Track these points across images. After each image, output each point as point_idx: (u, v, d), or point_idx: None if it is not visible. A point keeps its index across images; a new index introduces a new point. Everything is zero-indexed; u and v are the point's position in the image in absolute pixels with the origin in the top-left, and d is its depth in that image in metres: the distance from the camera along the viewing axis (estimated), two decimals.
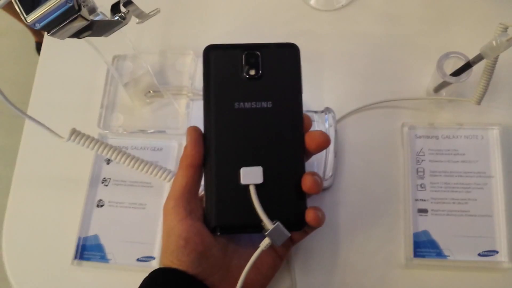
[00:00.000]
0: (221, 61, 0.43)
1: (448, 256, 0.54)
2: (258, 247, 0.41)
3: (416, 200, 0.56)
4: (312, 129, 0.43)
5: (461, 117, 0.59)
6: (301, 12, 0.67)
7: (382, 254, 0.55)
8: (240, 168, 0.41)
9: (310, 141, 0.42)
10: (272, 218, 0.40)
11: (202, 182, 0.43)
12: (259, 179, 0.41)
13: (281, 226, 0.40)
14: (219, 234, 0.42)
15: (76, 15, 0.42)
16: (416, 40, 0.64)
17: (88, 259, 0.56)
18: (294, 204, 0.42)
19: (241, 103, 0.43)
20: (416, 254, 0.54)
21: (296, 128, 0.43)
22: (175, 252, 0.40)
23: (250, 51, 0.43)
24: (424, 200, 0.56)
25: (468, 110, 0.60)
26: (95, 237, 0.57)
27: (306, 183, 0.41)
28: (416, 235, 0.55)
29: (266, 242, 0.40)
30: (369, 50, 0.64)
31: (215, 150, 0.42)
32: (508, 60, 0.52)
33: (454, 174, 0.57)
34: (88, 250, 0.56)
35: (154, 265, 0.55)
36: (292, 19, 0.67)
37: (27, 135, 0.64)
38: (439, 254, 0.54)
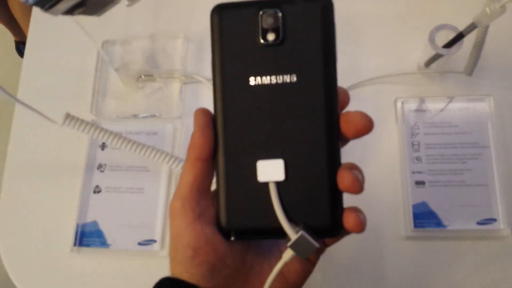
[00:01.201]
0: (232, 24, 0.34)
1: (447, 225, 0.55)
2: (283, 253, 0.33)
3: (413, 172, 0.57)
4: None
5: (453, 90, 0.60)
6: None
7: (382, 227, 0.56)
8: (257, 161, 0.33)
9: (346, 125, 0.33)
10: (297, 222, 0.32)
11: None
12: (281, 176, 0.32)
13: (306, 236, 0.32)
14: (233, 239, 0.34)
15: None
16: (406, 16, 0.65)
17: (88, 245, 0.55)
18: (327, 207, 0.32)
19: (258, 78, 0.33)
20: (416, 225, 0.55)
21: (329, 108, 0.33)
22: (183, 263, 0.34)
23: (269, 10, 0.33)
24: (421, 172, 0.57)
25: (459, 83, 0.60)
26: (94, 223, 0.56)
27: (344, 180, 0.32)
28: (415, 207, 0.55)
29: (289, 254, 0.32)
30: (360, 28, 0.64)
31: (227, 139, 0.34)
32: (497, 32, 0.53)
33: (448, 145, 0.58)
34: (87, 236, 0.56)
35: (156, 248, 0.55)
36: None
37: (17, 122, 0.63)
38: (439, 224, 0.55)
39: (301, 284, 0.37)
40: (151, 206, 0.56)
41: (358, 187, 0.32)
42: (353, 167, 0.33)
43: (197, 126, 0.34)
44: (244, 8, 0.34)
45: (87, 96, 0.62)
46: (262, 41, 0.33)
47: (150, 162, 0.58)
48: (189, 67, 0.65)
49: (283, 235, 0.32)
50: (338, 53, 0.55)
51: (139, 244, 0.55)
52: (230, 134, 0.33)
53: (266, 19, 0.33)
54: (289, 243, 0.32)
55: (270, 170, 0.33)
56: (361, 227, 0.32)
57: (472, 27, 0.49)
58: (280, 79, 0.33)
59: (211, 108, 0.34)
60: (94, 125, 0.53)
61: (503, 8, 0.45)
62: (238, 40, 0.34)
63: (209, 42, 0.34)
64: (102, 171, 0.59)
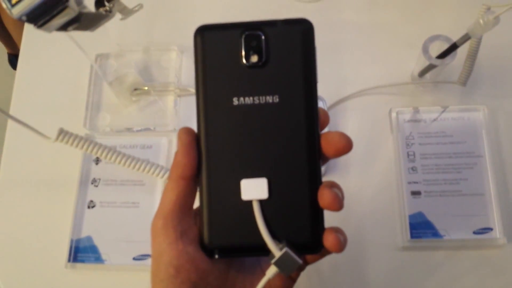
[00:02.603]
0: (216, 45, 0.34)
1: (444, 235, 0.54)
2: (265, 270, 0.34)
3: (409, 183, 0.57)
4: None
5: (447, 100, 0.60)
6: (284, 4, 0.68)
7: (380, 238, 0.55)
8: (240, 180, 0.34)
9: (327, 145, 0.33)
10: (280, 239, 0.33)
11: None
12: (264, 194, 0.33)
13: (290, 253, 0.32)
14: (216, 257, 0.34)
15: (64, 6, 0.41)
16: (400, 26, 0.65)
17: (82, 261, 0.55)
18: (308, 224, 0.33)
19: (241, 98, 0.34)
20: (413, 236, 0.54)
21: (310, 129, 0.34)
22: (165, 281, 0.34)
23: (251, 32, 0.34)
24: (417, 183, 0.57)
25: (453, 93, 0.61)
26: (88, 238, 0.56)
27: (325, 198, 0.33)
28: (411, 217, 0.55)
29: (272, 270, 0.33)
30: (354, 38, 0.65)
31: (210, 158, 0.34)
32: (490, 43, 0.54)
33: (444, 155, 0.58)
34: (81, 252, 0.55)
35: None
36: (276, 11, 0.67)
37: (10, 137, 0.62)
38: (435, 234, 0.55)
39: None
40: (146, 221, 0.55)
41: (337, 205, 0.33)
42: (333, 185, 0.33)
43: (181, 145, 0.34)
44: (227, 29, 0.35)
45: (80, 110, 0.61)
46: (245, 62, 0.34)
47: (144, 176, 0.57)
48: (183, 79, 0.64)
49: (266, 252, 0.33)
50: (332, 63, 0.56)
51: (134, 259, 0.55)
52: (213, 153, 0.34)
53: (249, 41, 0.34)
54: (273, 260, 0.32)
55: (254, 189, 0.33)
56: (339, 247, 0.33)
57: (465, 38, 0.50)
58: (262, 99, 0.34)
59: (192, 124, 0.34)
60: (87, 140, 0.53)
61: (496, 20, 0.46)
62: (221, 61, 0.34)
63: None
64: (96, 186, 0.58)
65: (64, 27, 0.45)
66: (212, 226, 0.34)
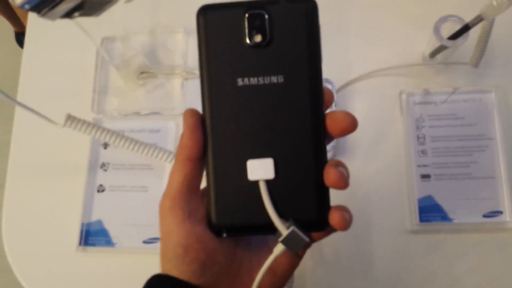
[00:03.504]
0: (219, 25, 0.34)
1: (453, 219, 0.54)
2: (272, 248, 0.35)
3: (419, 166, 0.56)
4: None
5: (458, 82, 0.59)
6: None
7: (388, 221, 0.55)
8: (246, 160, 0.34)
9: (332, 124, 0.34)
10: (287, 218, 0.33)
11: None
12: (270, 174, 0.33)
13: (297, 231, 0.33)
14: (224, 236, 0.35)
15: None
16: (409, 6, 0.63)
17: (93, 244, 0.55)
18: (314, 202, 0.34)
19: (246, 79, 0.34)
20: (422, 219, 0.54)
21: (315, 108, 0.34)
22: (174, 261, 0.35)
23: (255, 11, 0.34)
24: (426, 166, 0.56)
25: (464, 74, 0.59)
26: (99, 222, 0.56)
27: (330, 176, 0.33)
28: (420, 201, 0.55)
29: (279, 248, 0.34)
30: (363, 19, 0.63)
31: (216, 139, 0.34)
32: (502, 23, 0.52)
33: (454, 138, 0.57)
34: (92, 235, 0.56)
35: None
36: None
37: (18, 124, 0.62)
38: (444, 217, 0.54)
39: (289, 276, 0.39)
40: (155, 205, 0.55)
41: (343, 183, 0.33)
42: (338, 164, 0.34)
43: (186, 126, 0.35)
44: (230, 9, 0.34)
45: (88, 94, 0.61)
46: (248, 42, 0.34)
47: (153, 161, 0.57)
48: (190, 62, 0.64)
49: (273, 230, 0.33)
50: (340, 45, 0.54)
51: (144, 242, 0.55)
52: (219, 134, 0.34)
53: (252, 20, 0.34)
54: (281, 238, 0.33)
55: (260, 169, 0.34)
56: (344, 225, 0.33)
57: (478, 19, 0.48)
58: (267, 80, 0.34)
59: (198, 106, 0.34)
60: (95, 126, 0.53)
61: (510, 1, 0.44)
62: (225, 41, 0.34)
63: None
64: (105, 170, 0.59)
65: (68, 15, 0.45)
66: (220, 206, 0.34)
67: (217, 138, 0.34)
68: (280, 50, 0.34)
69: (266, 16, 0.34)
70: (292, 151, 0.34)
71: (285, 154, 0.34)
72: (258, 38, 0.34)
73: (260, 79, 0.34)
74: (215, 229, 0.34)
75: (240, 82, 0.34)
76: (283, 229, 0.33)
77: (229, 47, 0.34)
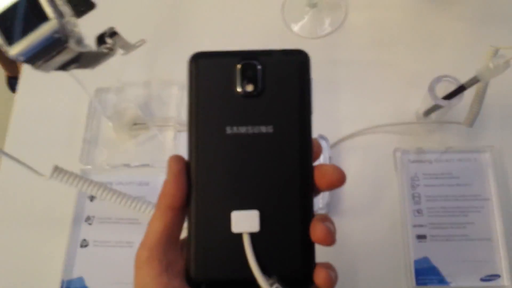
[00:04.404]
0: (210, 73, 0.34)
1: (450, 282, 0.52)
2: None
3: (414, 226, 0.55)
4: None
5: (452, 141, 0.59)
6: (286, 39, 0.67)
7: (384, 284, 0.53)
8: (231, 212, 0.32)
9: (320, 177, 0.33)
10: (270, 274, 0.32)
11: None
12: (255, 227, 0.32)
13: None
14: None
15: (63, 47, 0.40)
16: (405, 65, 0.64)
17: None
18: (299, 258, 0.33)
19: (235, 127, 0.33)
20: (418, 282, 0.52)
21: (303, 161, 0.33)
22: None
23: (248, 61, 0.34)
24: (422, 226, 0.55)
25: (458, 133, 0.59)
26: (80, 279, 0.53)
27: (317, 232, 0.32)
28: (416, 263, 0.53)
29: None
30: (357, 76, 0.64)
31: (201, 187, 0.33)
32: (497, 83, 0.52)
33: (450, 198, 0.56)
34: None
35: None
36: (277, 46, 0.66)
37: (4, 172, 0.61)
38: (441, 281, 0.52)
39: None
40: None
41: (330, 239, 0.32)
42: (325, 219, 0.33)
43: (171, 173, 0.33)
44: (222, 57, 0.34)
45: (77, 144, 0.60)
46: (239, 91, 0.33)
47: (140, 215, 0.55)
48: (184, 114, 0.63)
49: (255, 287, 0.31)
50: (335, 101, 0.54)
51: None
52: (204, 183, 0.33)
53: (244, 70, 0.33)
54: None
55: (245, 221, 0.32)
56: (330, 284, 0.32)
57: (474, 81, 0.49)
58: (256, 129, 0.33)
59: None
60: (82, 178, 0.51)
61: (507, 64, 0.45)
62: (215, 89, 0.33)
63: None
64: (90, 224, 0.56)
65: (63, 67, 0.44)
66: (200, 258, 0.32)
67: (202, 187, 0.33)
68: (271, 101, 0.34)
69: (259, 67, 0.34)
70: (279, 204, 0.33)
71: (271, 206, 0.33)
72: (249, 88, 0.33)
73: (250, 128, 0.33)
74: (194, 284, 0.32)
75: (228, 130, 0.33)
76: (267, 286, 0.31)
77: (219, 95, 0.33)
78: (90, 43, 0.49)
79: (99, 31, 0.50)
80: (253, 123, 0.33)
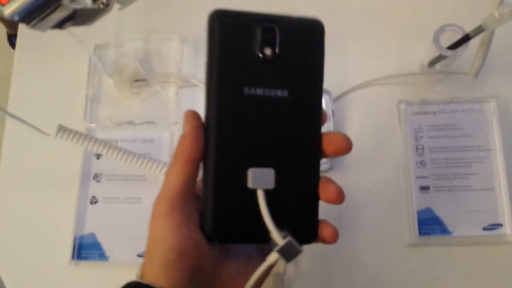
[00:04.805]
0: (230, 33, 0.34)
1: (453, 232, 0.53)
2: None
3: (417, 177, 0.55)
4: None
5: (457, 91, 0.58)
6: None
7: (387, 235, 0.54)
8: (247, 168, 0.34)
9: (328, 144, 0.35)
10: (281, 228, 0.33)
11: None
12: (271, 184, 0.34)
13: (294, 242, 0.33)
14: (217, 243, 0.35)
15: (58, 5, 0.39)
16: (408, 15, 0.62)
17: (86, 258, 0.54)
18: (307, 215, 0.35)
19: (252, 89, 0.34)
20: (421, 232, 0.53)
21: (314, 126, 0.35)
22: (164, 266, 0.33)
23: (268, 25, 0.34)
24: (425, 177, 0.55)
25: (463, 83, 0.59)
26: (92, 235, 0.55)
27: (330, 191, 0.34)
28: (419, 213, 0.54)
29: (273, 257, 0.33)
30: (360, 27, 0.62)
31: (219, 143, 0.34)
32: (502, 32, 0.51)
33: (453, 149, 0.56)
34: (85, 249, 0.54)
35: None
36: None
37: (9, 134, 0.61)
38: (444, 230, 0.53)
39: (263, 281, 0.38)
40: (149, 217, 0.55)
41: (342, 198, 0.35)
42: (333, 181, 0.35)
43: (189, 127, 0.34)
44: (245, 19, 0.34)
45: (80, 103, 0.60)
46: (258, 54, 0.34)
47: (147, 172, 0.56)
48: (184, 69, 0.62)
49: (267, 240, 0.33)
50: (338, 53, 0.54)
51: (138, 255, 0.54)
52: (222, 140, 0.34)
53: (265, 33, 0.34)
54: (277, 248, 0.33)
55: (262, 178, 0.34)
56: (336, 238, 0.35)
57: (479, 30, 0.47)
58: (273, 92, 0.34)
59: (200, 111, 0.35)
60: (87, 137, 0.52)
61: None
62: (236, 50, 0.34)
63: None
64: (98, 181, 0.57)
65: (58, 25, 0.43)
66: (217, 212, 0.34)
67: (220, 143, 0.34)
68: (287, 66, 0.35)
69: (278, 32, 0.34)
70: (292, 165, 0.35)
71: (285, 166, 0.34)
72: (268, 51, 0.34)
73: (266, 90, 0.34)
74: (210, 235, 0.34)
75: (247, 91, 0.34)
76: (280, 239, 0.33)
77: (239, 56, 0.34)
78: None
79: None
80: (270, 86, 0.34)
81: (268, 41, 0.34)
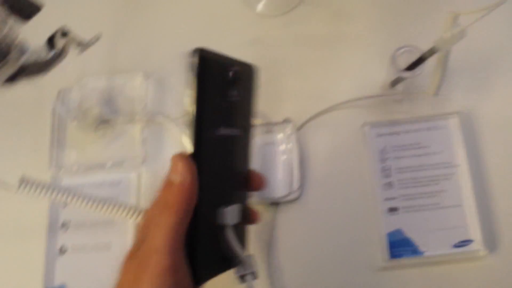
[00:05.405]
0: (212, 73, 0.35)
1: (424, 252, 0.53)
2: None
3: (386, 199, 0.55)
4: (275, 143, 0.48)
5: (420, 109, 0.59)
6: (249, 20, 0.65)
7: (358, 259, 0.54)
8: (222, 207, 0.37)
9: (253, 181, 0.42)
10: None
11: None
12: (236, 219, 0.38)
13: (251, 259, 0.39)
14: (202, 283, 0.36)
15: (5, 61, 0.39)
16: (368, 36, 0.63)
17: None
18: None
19: (222, 129, 0.37)
20: (392, 255, 0.53)
21: (249, 162, 0.41)
22: None
23: (236, 69, 0.37)
24: (394, 199, 0.55)
25: (426, 101, 0.59)
26: (62, 287, 0.54)
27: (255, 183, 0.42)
28: (389, 235, 0.54)
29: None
30: (321, 51, 0.62)
31: (202, 188, 0.35)
32: (460, 46, 0.52)
33: (420, 168, 0.56)
34: None
35: None
36: (241, 28, 0.65)
37: None
38: (415, 251, 0.53)
39: None
40: (118, 263, 0.54)
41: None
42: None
43: (191, 174, 0.34)
44: (222, 61, 0.36)
45: (45, 149, 0.59)
46: (229, 95, 0.37)
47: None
48: (150, 106, 0.62)
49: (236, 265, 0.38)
50: (300, 80, 0.61)
51: None
52: (205, 184, 0.35)
53: (235, 76, 0.37)
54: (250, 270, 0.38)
55: (229, 215, 0.37)
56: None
57: (433, 51, 0.48)
58: (234, 132, 0.38)
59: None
60: (50, 188, 0.51)
61: (462, 33, 0.44)
62: (215, 90, 0.36)
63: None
64: (66, 230, 0.57)
65: (10, 80, 0.43)
66: (201, 261, 0.35)
67: (202, 188, 0.35)
68: (241, 106, 0.38)
69: (239, 74, 0.37)
70: (241, 200, 0.40)
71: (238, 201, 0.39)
72: (234, 93, 0.37)
73: (229, 130, 0.37)
74: (198, 282, 0.35)
75: (217, 132, 0.36)
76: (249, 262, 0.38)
77: (216, 97, 0.36)
78: (42, 45, 0.48)
79: (51, 31, 0.49)
80: (232, 125, 0.38)
81: (235, 84, 0.37)
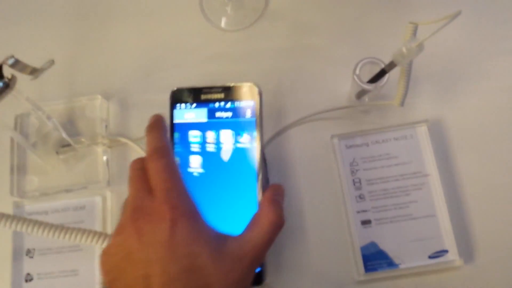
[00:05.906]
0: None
1: (399, 264, 0.52)
2: None
3: (358, 212, 0.54)
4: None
5: (388, 119, 0.58)
6: (211, 35, 0.64)
7: (333, 275, 0.53)
8: None
9: None
10: None
11: None
12: None
13: None
14: None
15: None
16: (331, 48, 0.62)
17: None
18: None
19: None
20: (367, 269, 0.52)
21: None
22: None
23: None
24: (366, 211, 0.54)
25: (393, 111, 0.58)
26: None
27: None
28: (363, 249, 0.53)
29: None
30: (285, 64, 0.61)
31: None
32: (424, 54, 0.51)
33: (390, 179, 0.55)
34: None
35: None
36: (204, 43, 0.63)
37: None
38: (390, 264, 0.52)
39: None
40: None
41: None
42: None
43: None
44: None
45: (5, 177, 0.57)
46: None
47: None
48: (112, 127, 0.61)
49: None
50: (266, 94, 0.55)
51: None
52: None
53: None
54: None
55: None
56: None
57: (392, 65, 0.47)
58: None
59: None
60: (9, 217, 0.49)
61: (420, 47, 0.43)
62: None
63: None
64: (31, 257, 0.55)
65: None
66: None
67: None
68: None
69: None
70: None
71: None
72: None
73: None
74: None
75: None
76: None
77: None
78: None
79: None
80: None
81: None
